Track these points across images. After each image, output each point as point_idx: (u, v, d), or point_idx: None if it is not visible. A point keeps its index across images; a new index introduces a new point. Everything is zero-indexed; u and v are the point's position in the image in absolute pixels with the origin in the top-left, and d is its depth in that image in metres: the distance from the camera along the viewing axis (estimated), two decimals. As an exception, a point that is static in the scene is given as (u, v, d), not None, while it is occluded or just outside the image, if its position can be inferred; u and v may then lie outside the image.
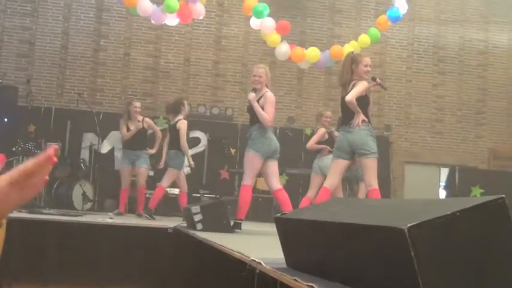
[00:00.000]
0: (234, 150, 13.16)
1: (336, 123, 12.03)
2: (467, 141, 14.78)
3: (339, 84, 7.05)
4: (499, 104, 15.00)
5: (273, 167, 7.21)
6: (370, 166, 6.52)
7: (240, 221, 7.08)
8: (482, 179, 12.34)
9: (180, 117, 9.73)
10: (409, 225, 1.72)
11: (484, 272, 1.78)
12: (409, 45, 14.84)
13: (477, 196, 10.63)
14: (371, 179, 6.50)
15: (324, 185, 6.93)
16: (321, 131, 9.48)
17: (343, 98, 6.67)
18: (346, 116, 6.70)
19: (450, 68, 14.97)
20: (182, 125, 9.59)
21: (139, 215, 9.73)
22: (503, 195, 1.82)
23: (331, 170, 6.94)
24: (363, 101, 6.65)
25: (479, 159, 14.58)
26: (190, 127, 13.15)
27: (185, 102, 10.32)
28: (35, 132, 12.22)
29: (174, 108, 9.82)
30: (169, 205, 11.48)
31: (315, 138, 9.43)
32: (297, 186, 12.62)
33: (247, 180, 7.17)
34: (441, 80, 14.91)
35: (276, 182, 7.25)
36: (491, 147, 14.81)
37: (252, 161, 7.07)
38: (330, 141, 9.06)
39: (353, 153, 6.71)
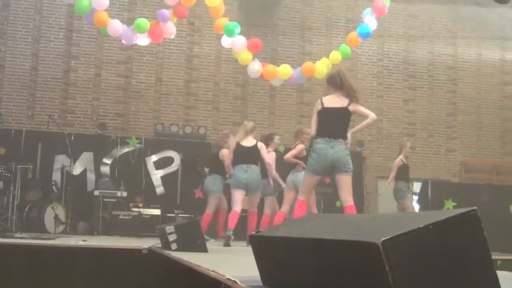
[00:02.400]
0: (208, 169, 13.11)
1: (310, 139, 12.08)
2: (439, 155, 14.94)
3: (335, 90, 6.90)
4: (469, 118, 15.20)
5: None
6: (348, 183, 6.64)
7: None
8: (454, 192, 12.44)
9: (270, 149, 9.84)
10: (382, 239, 1.72)
11: (458, 283, 1.79)
12: (379, 61, 15.00)
13: (450, 209, 10.73)
14: (348, 195, 6.59)
15: (300, 198, 6.98)
16: (300, 146, 9.53)
17: (340, 109, 6.76)
18: (336, 129, 6.73)
19: (420, 83, 15.16)
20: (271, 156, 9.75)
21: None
22: (475, 208, 1.84)
23: (307, 185, 6.98)
24: None
25: (451, 173, 14.74)
26: (163, 147, 13.17)
27: (275, 137, 10.58)
28: (5, 155, 12.07)
29: (266, 141, 9.94)
30: (143, 227, 11.39)
31: (293, 152, 9.48)
32: (271, 204, 12.60)
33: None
34: (412, 95, 15.08)
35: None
36: (462, 161, 14.99)
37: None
38: (307, 158, 9.03)
39: (332, 170, 6.72)
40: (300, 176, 8.92)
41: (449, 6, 14.49)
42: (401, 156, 11.39)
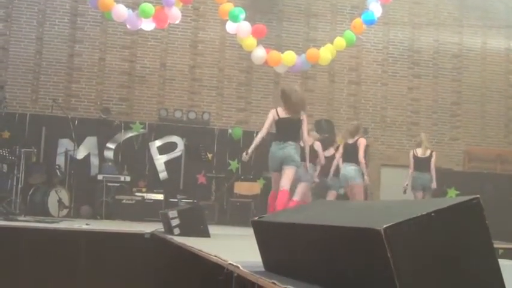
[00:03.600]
0: (211, 155, 13.14)
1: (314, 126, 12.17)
2: (442, 144, 14.90)
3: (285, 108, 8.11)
4: (474, 107, 15.15)
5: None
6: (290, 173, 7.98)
7: None
8: (457, 180, 12.45)
9: (358, 136, 10.25)
10: (385, 226, 1.73)
11: (459, 271, 1.79)
12: (384, 48, 14.94)
13: (453, 197, 10.74)
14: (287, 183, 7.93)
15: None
16: (364, 141, 10.25)
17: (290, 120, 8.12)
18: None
19: (425, 71, 15.10)
20: (362, 142, 10.14)
21: None
22: (478, 196, 1.84)
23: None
24: None
25: (455, 162, 14.71)
26: (166, 132, 13.18)
27: (361, 127, 10.95)
28: (9, 139, 12.09)
29: (355, 131, 10.32)
30: (145, 211, 11.43)
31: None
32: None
33: None
34: (416, 83, 15.03)
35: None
36: (466, 150, 14.96)
37: None
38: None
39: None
40: (348, 168, 9.93)
41: (456, -6, 14.44)
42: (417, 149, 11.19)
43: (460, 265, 1.80)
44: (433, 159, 11.06)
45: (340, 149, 10.36)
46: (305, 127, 8.32)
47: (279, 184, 7.97)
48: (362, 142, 10.09)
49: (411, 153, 11.19)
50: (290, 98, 8.05)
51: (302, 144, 8.36)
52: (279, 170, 8.12)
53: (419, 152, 11.17)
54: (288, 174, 7.94)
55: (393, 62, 14.98)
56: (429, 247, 1.78)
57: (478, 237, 1.83)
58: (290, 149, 8.07)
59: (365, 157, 10.14)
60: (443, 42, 15.18)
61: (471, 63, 15.27)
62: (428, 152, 11.10)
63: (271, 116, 8.35)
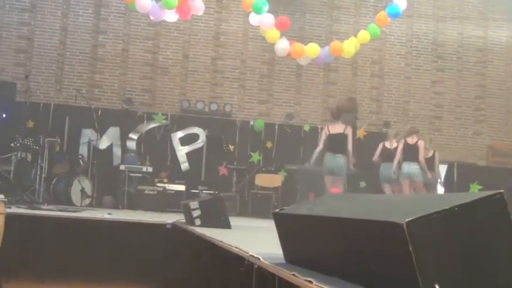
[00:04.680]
0: (233, 146, 13.16)
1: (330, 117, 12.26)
2: (465, 138, 14.79)
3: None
4: (498, 101, 15.00)
5: None
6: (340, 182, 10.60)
7: None
8: (480, 175, 12.34)
9: (418, 137, 11.09)
10: (407, 220, 1.72)
11: (481, 266, 1.78)
12: (408, 41, 14.83)
13: (475, 192, 10.66)
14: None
15: None
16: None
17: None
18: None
19: (449, 65, 14.97)
20: (422, 144, 10.98)
21: None
22: (502, 191, 1.82)
23: None
24: None
25: (478, 156, 14.59)
26: (188, 123, 13.23)
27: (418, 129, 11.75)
28: (33, 128, 12.20)
29: (414, 132, 11.23)
30: (167, 202, 11.49)
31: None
32: (295, 182, 12.67)
33: None
34: (440, 77, 14.91)
35: None
36: (489, 144, 14.82)
37: None
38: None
39: None
40: (412, 167, 10.79)
41: (481, -13, 14.27)
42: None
43: (483, 260, 1.79)
44: (436, 159, 11.53)
45: (400, 147, 11.06)
46: (350, 140, 10.49)
47: (332, 187, 10.15)
48: (421, 144, 10.97)
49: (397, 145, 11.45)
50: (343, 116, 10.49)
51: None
52: (332, 175, 10.38)
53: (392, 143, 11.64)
54: (339, 183, 10.49)
55: (417, 55, 14.86)
56: (451, 241, 1.77)
57: (501, 232, 1.82)
58: (339, 160, 10.34)
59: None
60: (467, 36, 15.04)
61: (496, 57, 15.11)
62: (431, 153, 11.46)
63: (323, 133, 10.74)
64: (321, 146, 10.80)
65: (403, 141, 11.07)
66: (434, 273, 1.70)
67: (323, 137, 10.79)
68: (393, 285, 1.84)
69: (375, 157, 11.66)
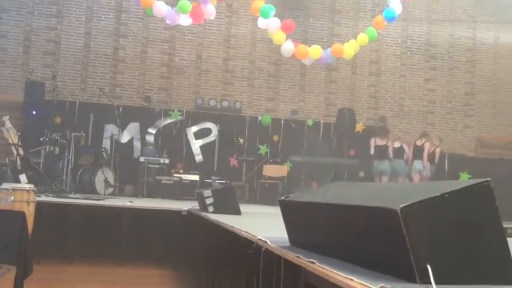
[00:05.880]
0: (242, 140, 13.16)
1: (337, 114, 12.38)
2: (456, 131, 14.74)
3: None
4: (486, 97, 14.93)
5: None
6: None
7: None
8: (469, 165, 12.31)
9: (425, 139, 12.34)
10: (401, 205, 1.72)
11: (469, 248, 1.78)
12: (403, 43, 14.77)
13: (465, 180, 10.62)
14: None
15: None
16: None
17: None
18: None
19: (440, 64, 14.90)
20: (427, 145, 12.16)
21: None
22: (489, 179, 1.82)
23: None
24: None
25: (467, 148, 14.53)
26: (202, 119, 13.23)
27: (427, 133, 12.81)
28: (60, 124, 12.23)
29: (422, 135, 12.49)
30: (182, 191, 11.51)
31: None
32: (299, 173, 12.67)
33: None
34: (432, 75, 14.85)
35: None
36: (478, 137, 14.76)
37: None
38: None
39: None
40: (418, 164, 11.99)
41: (471, -8, 14.18)
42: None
43: (471, 243, 1.79)
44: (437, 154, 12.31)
45: (411, 148, 12.22)
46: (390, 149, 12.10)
47: None
48: (427, 145, 12.02)
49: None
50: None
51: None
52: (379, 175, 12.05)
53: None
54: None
55: (411, 56, 14.80)
56: (442, 226, 1.77)
57: (488, 217, 1.81)
58: (386, 165, 12.04)
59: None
60: (457, 37, 14.96)
61: (484, 56, 15.03)
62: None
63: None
64: None
65: (413, 142, 12.36)
66: (426, 255, 1.69)
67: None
68: (389, 266, 1.84)
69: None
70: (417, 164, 11.95)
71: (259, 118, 13.47)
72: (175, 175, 12.02)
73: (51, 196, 8.65)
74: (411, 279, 1.68)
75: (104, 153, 11.97)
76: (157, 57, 13.81)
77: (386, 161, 12.19)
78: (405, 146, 12.25)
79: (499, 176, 11.20)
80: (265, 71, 14.20)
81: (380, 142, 12.31)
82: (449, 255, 1.75)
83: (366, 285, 1.62)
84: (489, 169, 11.42)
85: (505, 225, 1.86)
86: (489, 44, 15.03)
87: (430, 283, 1.62)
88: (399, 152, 12.23)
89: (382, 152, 12.21)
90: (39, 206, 7.23)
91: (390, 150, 12.18)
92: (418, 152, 12.06)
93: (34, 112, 12.01)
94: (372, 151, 12.31)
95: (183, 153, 12.98)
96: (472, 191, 1.80)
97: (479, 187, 1.80)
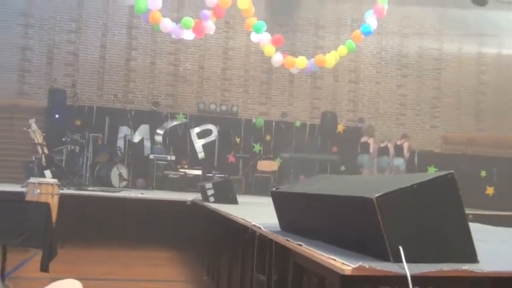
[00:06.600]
0: (239, 139, 13.17)
1: (321, 117, 12.47)
2: (424, 130, 14.78)
3: None
4: (450, 101, 14.97)
5: None
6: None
7: None
8: (436, 160, 12.32)
9: (404, 140, 12.57)
10: (376, 195, 1.72)
11: (437, 232, 1.79)
12: (378, 54, 14.79)
13: (432, 173, 10.64)
14: None
15: None
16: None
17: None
18: None
19: (411, 72, 14.93)
20: (406, 144, 12.55)
21: None
22: (452, 171, 1.83)
23: None
24: None
25: (434, 145, 14.57)
26: (203, 121, 13.23)
27: (407, 135, 13.09)
28: (80, 126, 12.22)
29: (402, 136, 12.74)
30: (187, 184, 11.50)
31: None
32: (288, 167, 12.70)
33: None
34: (403, 82, 14.88)
35: None
36: (443, 135, 14.80)
37: None
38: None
39: None
40: (399, 160, 12.26)
41: (437, 9, 14.12)
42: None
43: (438, 227, 1.79)
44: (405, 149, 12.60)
45: (390, 147, 12.45)
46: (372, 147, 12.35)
47: None
48: (406, 145, 12.33)
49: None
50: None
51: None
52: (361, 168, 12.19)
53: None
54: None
55: (385, 65, 14.83)
56: (412, 212, 1.77)
57: (452, 204, 1.82)
58: (366, 159, 12.33)
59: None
60: (425, 48, 14.99)
61: (448, 65, 15.07)
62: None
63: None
64: None
65: (394, 142, 12.56)
66: (398, 238, 1.70)
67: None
68: (366, 247, 1.84)
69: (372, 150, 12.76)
70: (397, 160, 12.24)
71: (253, 120, 13.47)
72: (181, 170, 12.01)
73: (73, 189, 8.63)
74: (386, 259, 1.69)
75: (118, 152, 11.95)
76: (164, 68, 13.78)
77: (366, 156, 12.47)
78: (390, 145, 12.50)
79: (462, 169, 11.24)
80: (258, 79, 14.20)
81: (364, 140, 12.69)
82: (419, 237, 1.76)
83: (347, 264, 1.63)
84: (453, 163, 11.43)
85: (467, 211, 1.87)
86: (453, 54, 15.07)
87: (402, 262, 1.62)
88: (384, 151, 12.47)
89: (364, 148, 12.52)
90: (62, 197, 7.22)
91: (371, 147, 12.45)
92: (398, 151, 12.32)
93: (57, 116, 11.99)
94: (359, 148, 12.71)
95: (187, 151, 12.97)
96: (438, 182, 1.81)
97: (444, 179, 1.81)
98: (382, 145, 12.57)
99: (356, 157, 12.65)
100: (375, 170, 12.48)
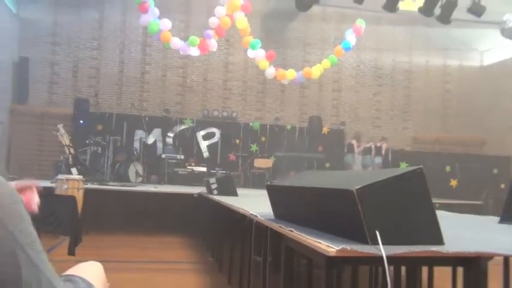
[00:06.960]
0: (238, 140, 13.18)
1: (308, 121, 12.45)
2: (397, 132, 14.81)
3: None
4: (419, 106, 15.01)
5: None
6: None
7: None
8: (407, 157, 12.36)
9: (382, 142, 12.74)
10: (356, 187, 1.72)
11: (408, 219, 1.79)
12: (357, 66, 14.82)
13: (404, 168, 10.67)
14: None
15: None
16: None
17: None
18: None
19: (385, 81, 14.97)
20: (384, 145, 12.73)
21: None
22: (421, 166, 1.83)
23: None
24: None
25: (405, 144, 14.60)
26: (208, 125, 13.21)
27: (386, 138, 13.15)
28: (102, 130, 12.22)
29: (381, 139, 12.82)
30: (194, 179, 11.50)
31: None
32: (281, 164, 12.70)
33: None
34: (379, 90, 14.91)
35: None
36: (413, 136, 14.84)
37: None
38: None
39: None
40: (378, 159, 12.35)
41: (407, 27, 14.14)
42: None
43: (409, 214, 1.79)
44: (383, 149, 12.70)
45: (373, 147, 12.55)
46: (355, 147, 12.44)
47: None
48: (384, 146, 12.48)
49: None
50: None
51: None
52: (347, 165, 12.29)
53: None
54: None
55: (363, 76, 14.86)
56: (387, 202, 1.77)
57: (421, 195, 1.82)
58: (350, 158, 12.50)
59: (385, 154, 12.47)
60: (398, 61, 15.03)
61: (417, 75, 15.10)
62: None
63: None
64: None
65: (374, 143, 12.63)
66: (375, 224, 1.70)
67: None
68: (347, 232, 1.84)
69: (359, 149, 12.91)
70: (377, 159, 12.37)
71: (251, 124, 13.48)
72: (189, 167, 12.01)
73: (96, 184, 8.61)
74: (365, 242, 1.69)
75: (134, 152, 11.95)
76: (174, 79, 13.78)
77: (350, 155, 12.61)
78: (373, 146, 12.60)
79: (430, 164, 11.27)
80: (254, 89, 14.21)
81: (350, 141, 12.92)
82: (393, 223, 1.76)
83: (331, 246, 1.63)
84: (422, 159, 11.47)
85: (434, 201, 1.87)
86: (421, 66, 15.11)
87: (379, 244, 1.62)
88: (368, 151, 12.60)
89: (350, 148, 12.68)
90: (87, 191, 7.20)
91: (355, 147, 12.63)
92: (378, 150, 12.49)
93: (81, 121, 11.99)
94: (345, 148, 12.95)
95: (194, 151, 12.97)
96: (409, 176, 1.81)
97: (414, 173, 1.81)
98: (367, 145, 12.68)
99: (342, 156, 12.80)
100: (360, 167, 12.53)
